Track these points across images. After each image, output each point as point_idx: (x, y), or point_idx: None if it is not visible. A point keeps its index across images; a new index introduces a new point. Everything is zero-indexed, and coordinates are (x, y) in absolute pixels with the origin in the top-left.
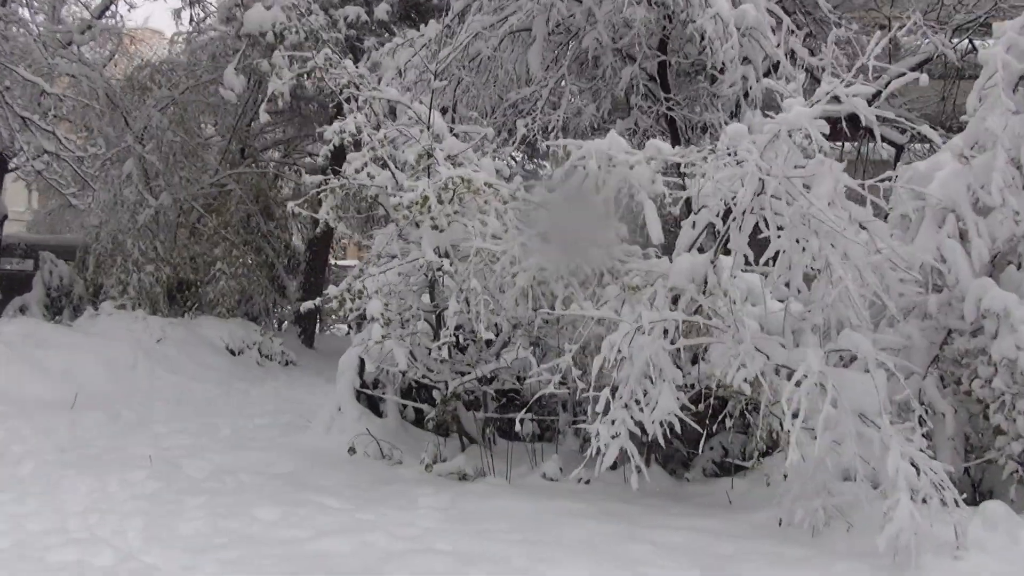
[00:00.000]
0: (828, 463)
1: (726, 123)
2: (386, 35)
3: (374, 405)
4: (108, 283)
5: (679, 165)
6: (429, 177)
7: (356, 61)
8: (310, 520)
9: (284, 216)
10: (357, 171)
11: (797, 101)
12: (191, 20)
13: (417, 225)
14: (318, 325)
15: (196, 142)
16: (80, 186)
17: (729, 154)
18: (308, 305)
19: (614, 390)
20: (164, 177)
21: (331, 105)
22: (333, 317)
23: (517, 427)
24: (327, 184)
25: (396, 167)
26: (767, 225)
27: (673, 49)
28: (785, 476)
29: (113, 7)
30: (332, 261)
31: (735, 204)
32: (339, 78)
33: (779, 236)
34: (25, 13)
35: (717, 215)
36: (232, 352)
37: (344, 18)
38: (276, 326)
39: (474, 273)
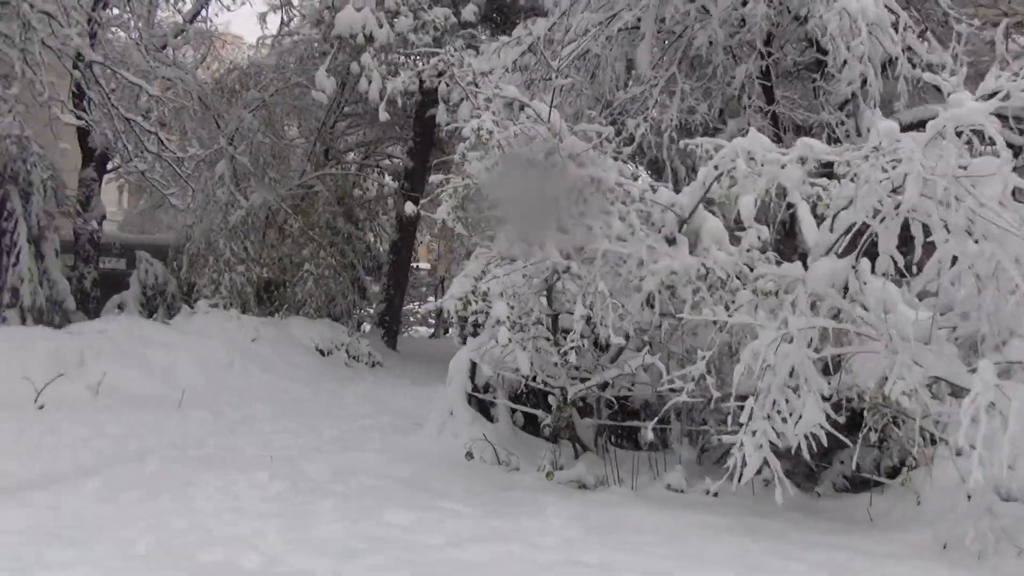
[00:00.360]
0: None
1: (842, 123)
2: (471, 37)
3: (484, 409)
4: (201, 282)
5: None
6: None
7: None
8: (443, 526)
9: (368, 218)
10: (488, 169)
11: (965, 96)
12: (283, 22)
13: None
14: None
15: (283, 144)
16: (179, 186)
17: (885, 153)
18: (431, 307)
19: (744, 399)
20: (254, 178)
21: (454, 102)
22: (412, 319)
23: (649, 436)
24: (447, 183)
25: None
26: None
27: (776, 47)
28: (969, 497)
29: (204, 11)
30: (414, 264)
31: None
32: (464, 76)
33: (930, 240)
34: (127, 17)
35: (871, 216)
36: (321, 352)
37: (432, 19)
38: (356, 327)
39: (600, 276)
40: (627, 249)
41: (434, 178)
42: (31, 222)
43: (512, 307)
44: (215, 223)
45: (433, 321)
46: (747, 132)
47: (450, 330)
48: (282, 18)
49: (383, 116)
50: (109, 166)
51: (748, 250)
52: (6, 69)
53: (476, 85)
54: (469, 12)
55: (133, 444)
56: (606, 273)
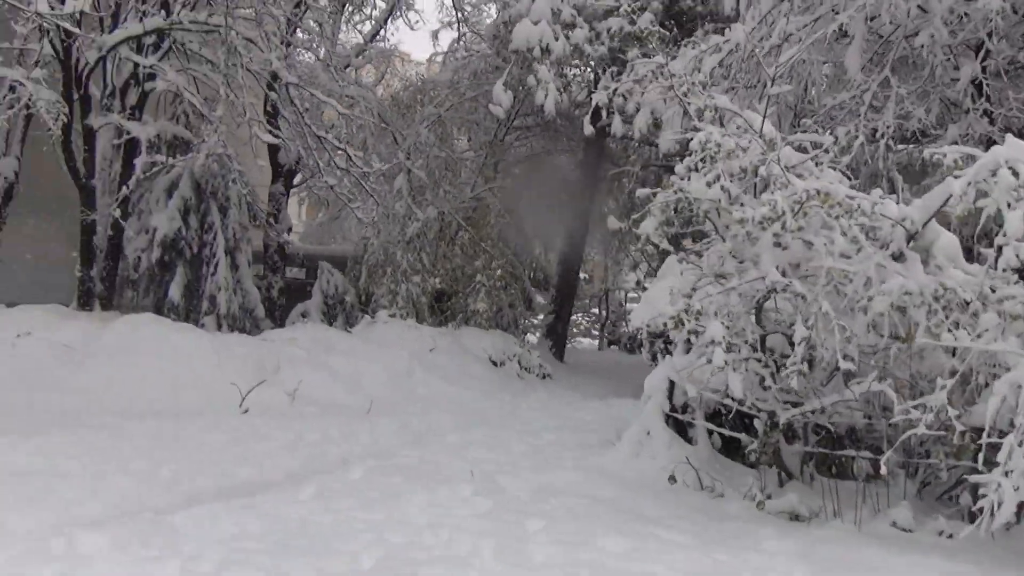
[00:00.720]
0: None
1: None
2: (646, 46)
3: (679, 430)
4: (379, 292)
5: None
6: (780, 190)
7: (619, 73)
8: (662, 556)
9: (535, 231)
10: (709, 184)
11: None
12: (459, 38)
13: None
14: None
15: (456, 157)
16: (362, 199)
17: None
18: (637, 323)
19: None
20: (429, 191)
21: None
22: (575, 330)
23: (884, 470)
24: (654, 198)
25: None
26: None
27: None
28: None
29: (382, 31)
30: (582, 276)
31: None
32: (681, 86)
33: None
34: (315, 39)
35: None
36: (494, 363)
37: (607, 30)
38: (523, 338)
39: (824, 295)
40: (853, 267)
41: (641, 192)
42: (228, 234)
43: (728, 327)
44: (393, 235)
45: (597, 333)
46: (968, 137)
47: (617, 343)
48: (457, 33)
49: (588, 130)
50: (295, 181)
51: (1004, 270)
52: (210, 92)
53: (686, 95)
54: (646, 20)
55: (333, 451)
56: (829, 292)
